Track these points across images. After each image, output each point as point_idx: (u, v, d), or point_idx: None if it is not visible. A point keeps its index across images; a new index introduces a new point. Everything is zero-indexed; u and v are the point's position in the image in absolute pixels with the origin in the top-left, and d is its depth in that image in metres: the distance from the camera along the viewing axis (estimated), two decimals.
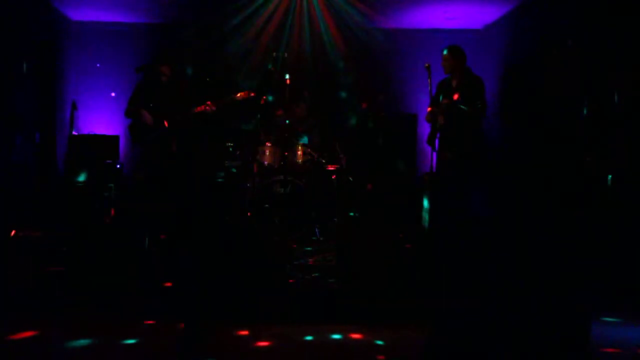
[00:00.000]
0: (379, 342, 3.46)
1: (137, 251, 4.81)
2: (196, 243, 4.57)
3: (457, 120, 5.39)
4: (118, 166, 6.97)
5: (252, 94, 5.93)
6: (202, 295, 4.00)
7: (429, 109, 5.64)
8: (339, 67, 7.78)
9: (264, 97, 6.09)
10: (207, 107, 5.73)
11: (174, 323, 3.65)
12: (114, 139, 7.23)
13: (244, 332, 3.59)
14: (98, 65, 7.79)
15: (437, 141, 5.62)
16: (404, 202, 6.81)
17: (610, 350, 3.24)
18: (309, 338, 3.52)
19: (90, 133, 7.36)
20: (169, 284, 4.20)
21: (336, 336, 3.55)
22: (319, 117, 6.86)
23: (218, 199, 6.35)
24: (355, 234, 4.52)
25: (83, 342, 3.30)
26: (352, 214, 6.36)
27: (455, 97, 5.42)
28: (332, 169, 6.41)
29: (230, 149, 6.47)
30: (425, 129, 6.46)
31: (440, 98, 5.55)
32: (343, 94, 7.86)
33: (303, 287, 4.27)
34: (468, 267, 4.20)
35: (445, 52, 5.56)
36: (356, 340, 3.52)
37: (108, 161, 6.92)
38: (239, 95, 5.91)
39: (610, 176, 4.64)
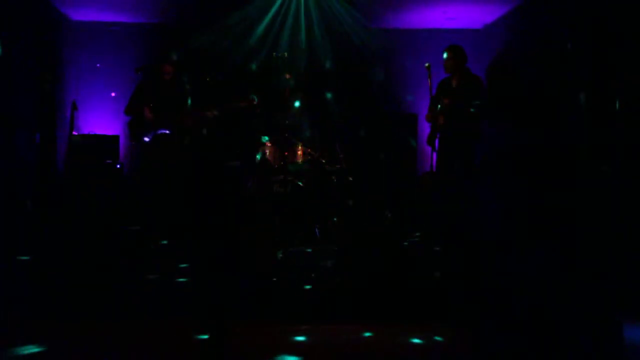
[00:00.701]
0: (381, 341, 3.47)
1: (139, 250, 4.82)
2: (197, 242, 4.58)
3: (458, 120, 5.40)
4: (118, 166, 6.97)
5: (254, 102, 5.95)
6: (202, 295, 4.01)
7: (428, 111, 5.65)
8: (338, 67, 7.77)
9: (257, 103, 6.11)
10: (209, 113, 5.76)
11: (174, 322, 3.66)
12: (114, 139, 7.23)
13: (244, 332, 3.59)
14: (98, 65, 7.79)
15: (437, 141, 5.63)
16: (404, 201, 6.81)
17: None
18: (308, 337, 3.52)
19: (90, 133, 7.36)
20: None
21: (337, 335, 3.56)
22: (314, 112, 6.87)
23: (219, 197, 6.36)
24: (355, 234, 4.52)
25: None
26: (351, 214, 6.35)
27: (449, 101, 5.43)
28: (332, 169, 6.40)
29: (230, 149, 6.47)
30: (425, 129, 6.47)
31: (441, 99, 5.56)
32: (342, 94, 7.85)
33: (303, 285, 4.27)
34: (469, 266, 4.20)
35: (447, 51, 5.57)
36: (357, 339, 3.52)
37: (108, 161, 6.93)
38: (242, 103, 5.94)
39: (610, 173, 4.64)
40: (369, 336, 3.58)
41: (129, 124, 5.93)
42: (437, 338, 3.53)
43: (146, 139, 5.75)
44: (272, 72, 6.64)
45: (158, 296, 4.01)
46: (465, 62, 5.58)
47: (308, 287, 4.19)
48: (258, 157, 6.14)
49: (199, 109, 5.82)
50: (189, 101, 5.79)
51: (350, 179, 6.47)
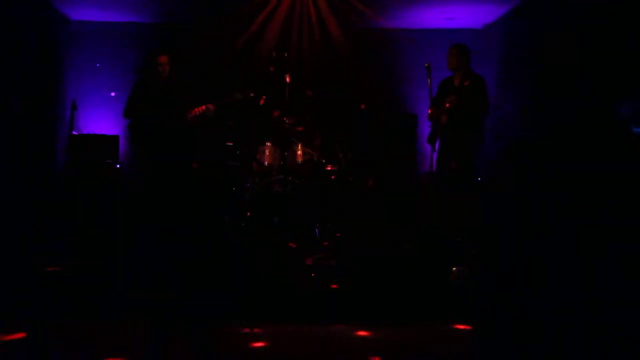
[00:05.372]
0: (380, 342, 3.46)
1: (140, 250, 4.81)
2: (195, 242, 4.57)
3: (459, 119, 5.41)
4: (118, 166, 6.98)
5: (252, 94, 5.92)
6: (200, 295, 4.01)
7: (430, 110, 5.65)
8: (338, 67, 7.78)
9: (264, 97, 6.08)
10: (207, 109, 5.72)
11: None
12: (114, 139, 7.23)
13: (244, 332, 3.59)
14: (98, 65, 7.80)
15: (437, 141, 5.62)
16: (404, 201, 6.81)
17: None
18: (308, 337, 3.52)
19: (90, 133, 7.37)
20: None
21: (337, 335, 3.56)
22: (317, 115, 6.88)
23: (216, 198, 6.37)
24: (355, 233, 4.52)
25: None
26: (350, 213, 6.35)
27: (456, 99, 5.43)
28: (332, 169, 6.40)
29: (230, 149, 6.46)
30: (425, 129, 6.47)
31: (444, 97, 5.57)
32: (343, 94, 7.85)
33: (303, 286, 4.26)
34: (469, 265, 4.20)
35: (453, 48, 5.57)
36: (357, 339, 3.52)
37: (108, 161, 6.94)
38: (238, 95, 5.90)
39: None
40: (368, 336, 3.58)
41: (129, 126, 5.91)
42: (437, 338, 3.53)
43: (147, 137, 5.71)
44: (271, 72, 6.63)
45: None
46: (469, 61, 5.59)
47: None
48: None
49: (198, 105, 5.79)
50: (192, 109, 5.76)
51: (351, 178, 6.48)
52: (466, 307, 3.81)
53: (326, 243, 5.81)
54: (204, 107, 5.72)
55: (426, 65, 5.50)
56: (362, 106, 7.34)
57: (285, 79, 6.10)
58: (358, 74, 7.79)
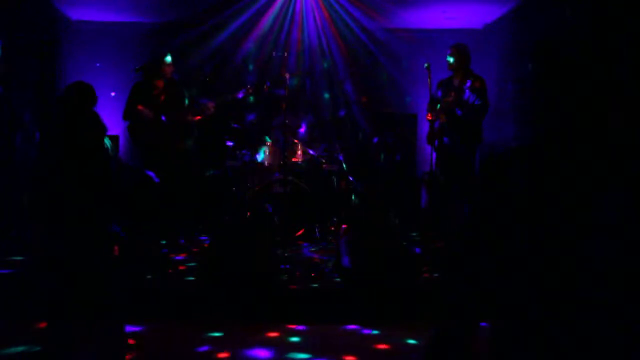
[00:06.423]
0: (380, 342, 3.47)
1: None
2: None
3: (459, 119, 5.41)
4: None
5: (251, 90, 5.92)
6: (200, 295, 4.01)
7: (429, 110, 5.65)
8: (338, 67, 7.78)
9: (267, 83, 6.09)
10: (207, 110, 5.72)
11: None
12: (114, 139, 7.23)
13: (244, 332, 3.59)
14: (98, 65, 7.80)
15: (436, 141, 5.62)
16: (404, 200, 6.81)
17: None
18: (308, 337, 3.53)
19: None
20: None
21: (336, 335, 3.56)
22: (311, 112, 6.89)
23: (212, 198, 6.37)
24: (355, 233, 4.52)
25: None
26: (351, 213, 6.35)
27: (453, 96, 5.44)
28: (332, 168, 6.40)
29: (230, 149, 6.46)
30: (425, 128, 6.46)
31: (442, 97, 5.57)
32: (342, 94, 7.86)
33: (303, 286, 4.26)
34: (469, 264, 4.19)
35: (452, 48, 5.58)
36: (357, 340, 3.52)
37: None
38: (237, 93, 5.90)
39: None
40: (367, 336, 3.58)
41: (129, 128, 5.90)
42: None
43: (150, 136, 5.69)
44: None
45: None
46: (469, 61, 5.59)
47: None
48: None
49: (199, 105, 5.79)
50: (186, 101, 5.77)
51: (351, 178, 6.47)
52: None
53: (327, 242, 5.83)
54: (203, 106, 5.71)
55: (426, 65, 5.49)
56: (364, 99, 7.33)
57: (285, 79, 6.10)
58: (358, 73, 7.79)
